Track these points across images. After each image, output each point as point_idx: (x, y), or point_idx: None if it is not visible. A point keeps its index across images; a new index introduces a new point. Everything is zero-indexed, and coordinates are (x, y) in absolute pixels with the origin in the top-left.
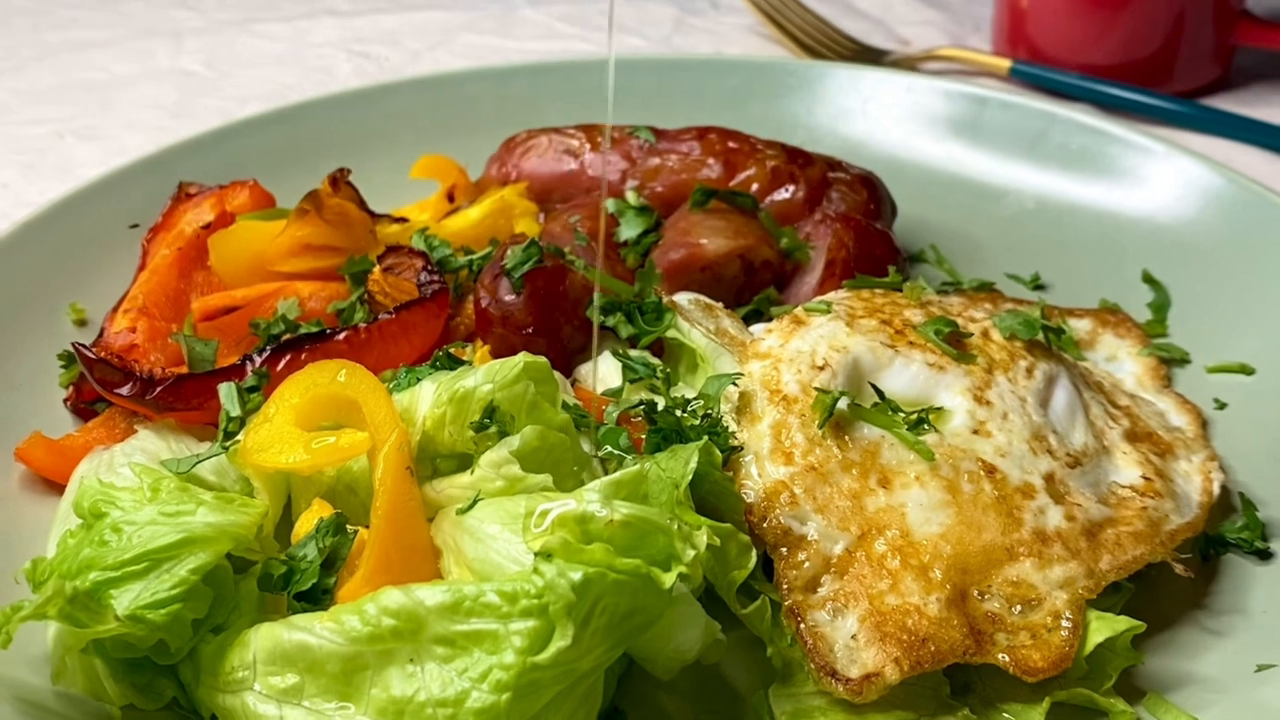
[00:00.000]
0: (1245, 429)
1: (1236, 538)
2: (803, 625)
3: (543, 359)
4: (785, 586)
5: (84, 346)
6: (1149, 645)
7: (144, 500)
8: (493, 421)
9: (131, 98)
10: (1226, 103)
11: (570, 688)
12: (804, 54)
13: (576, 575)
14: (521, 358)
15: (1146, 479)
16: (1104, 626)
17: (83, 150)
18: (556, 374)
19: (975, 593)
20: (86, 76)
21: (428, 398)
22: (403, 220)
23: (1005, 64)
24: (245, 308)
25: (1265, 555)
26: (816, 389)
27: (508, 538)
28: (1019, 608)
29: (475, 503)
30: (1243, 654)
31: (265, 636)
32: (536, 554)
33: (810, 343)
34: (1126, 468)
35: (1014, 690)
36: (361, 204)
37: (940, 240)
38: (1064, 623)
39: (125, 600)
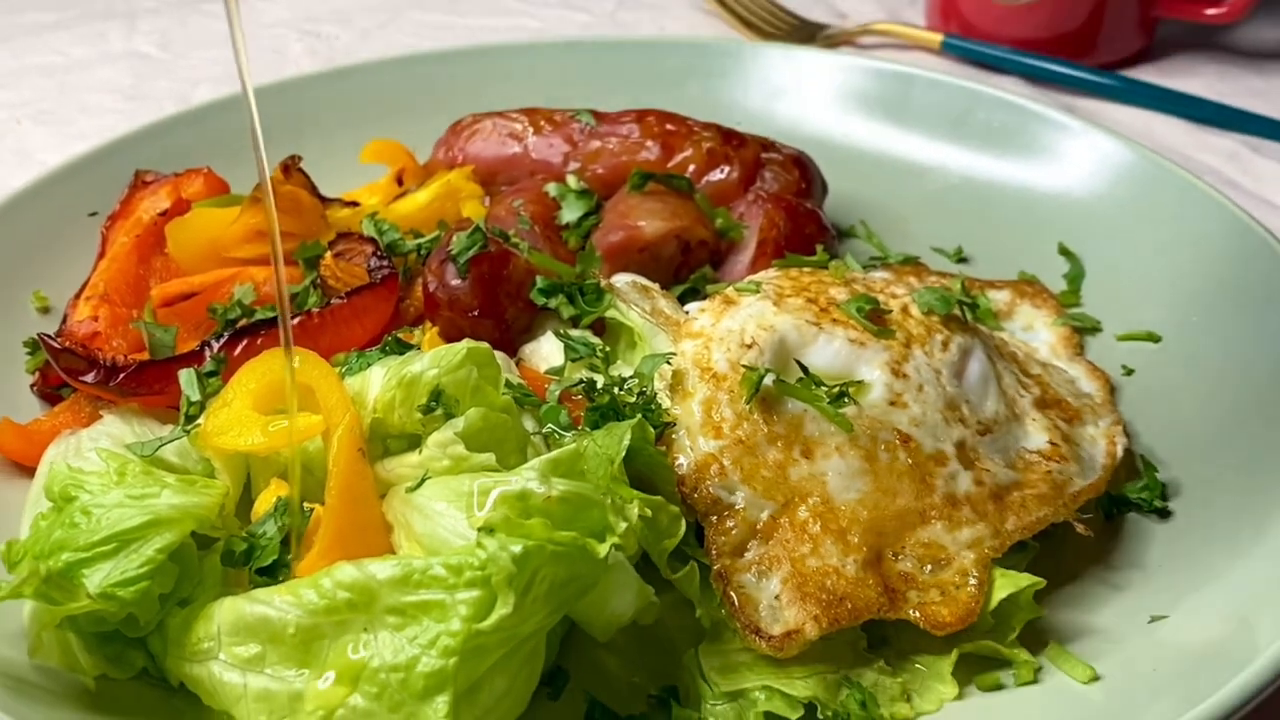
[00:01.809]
0: (1150, 394)
1: (1138, 497)
2: (729, 587)
3: (485, 345)
4: (714, 551)
5: (49, 337)
6: (1053, 599)
7: (111, 484)
8: (439, 404)
9: (87, 81)
10: (1150, 73)
11: (513, 651)
12: (744, 28)
13: (517, 548)
14: (465, 344)
15: (1053, 444)
16: (1008, 583)
17: (40, 135)
18: (501, 354)
19: (890, 554)
20: (43, 60)
21: (377, 382)
22: (353, 204)
23: (938, 38)
24: (202, 293)
25: (1164, 514)
26: (744, 366)
27: (453, 514)
28: (930, 567)
29: (423, 481)
30: (1138, 606)
31: (229, 610)
32: (479, 529)
33: (739, 322)
34: (1035, 434)
35: (926, 643)
36: (313, 190)
37: (870, 216)
38: (971, 580)
39: (96, 579)
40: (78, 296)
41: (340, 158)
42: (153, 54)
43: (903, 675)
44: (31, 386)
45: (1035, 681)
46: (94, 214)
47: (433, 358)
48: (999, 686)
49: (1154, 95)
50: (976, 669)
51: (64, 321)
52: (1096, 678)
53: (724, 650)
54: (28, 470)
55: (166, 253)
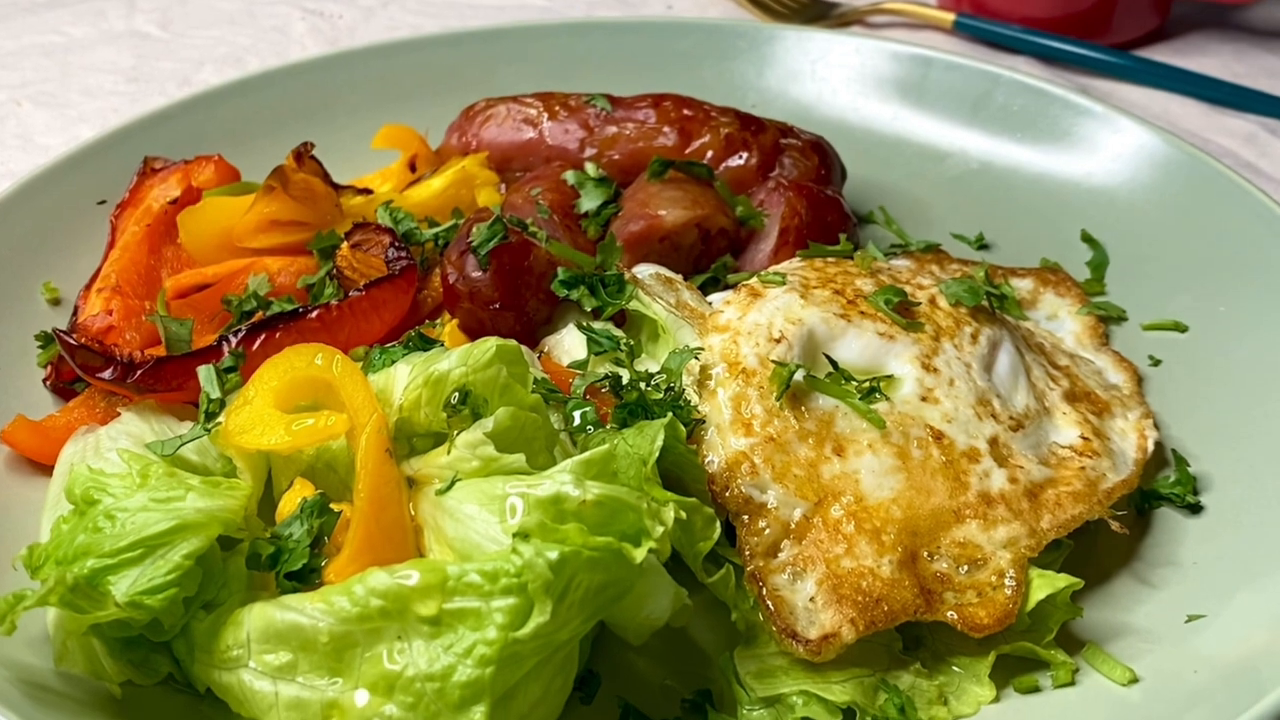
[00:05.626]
0: (1178, 385)
1: (1169, 492)
2: (764, 589)
3: (513, 343)
4: (747, 552)
5: (65, 333)
6: (1087, 598)
7: (134, 487)
8: (466, 404)
9: (87, 62)
10: (1164, 53)
11: (548, 658)
12: (752, 6)
13: (553, 554)
14: (493, 342)
15: (1085, 439)
16: (1045, 584)
17: (42, 117)
18: (524, 348)
19: (925, 554)
20: (42, 40)
21: (403, 379)
22: (367, 191)
23: (949, 17)
24: (217, 284)
25: (1195, 509)
26: (774, 361)
27: (486, 518)
28: (966, 567)
29: (453, 484)
30: (1174, 605)
31: (258, 616)
32: (515, 534)
33: (767, 315)
34: (1066, 428)
35: (962, 644)
36: (326, 177)
37: (888, 201)
38: (1008, 581)
39: (123, 586)
40: (89, 288)
41: (352, 142)
42: (154, 33)
43: (939, 678)
44: (44, 380)
45: (1073, 683)
46: (102, 202)
47: (460, 355)
48: (1036, 689)
49: (1169, 76)
50: (1013, 670)
51: (75, 314)
52: (1135, 679)
53: (759, 654)
54: (43, 468)
55: (177, 242)
